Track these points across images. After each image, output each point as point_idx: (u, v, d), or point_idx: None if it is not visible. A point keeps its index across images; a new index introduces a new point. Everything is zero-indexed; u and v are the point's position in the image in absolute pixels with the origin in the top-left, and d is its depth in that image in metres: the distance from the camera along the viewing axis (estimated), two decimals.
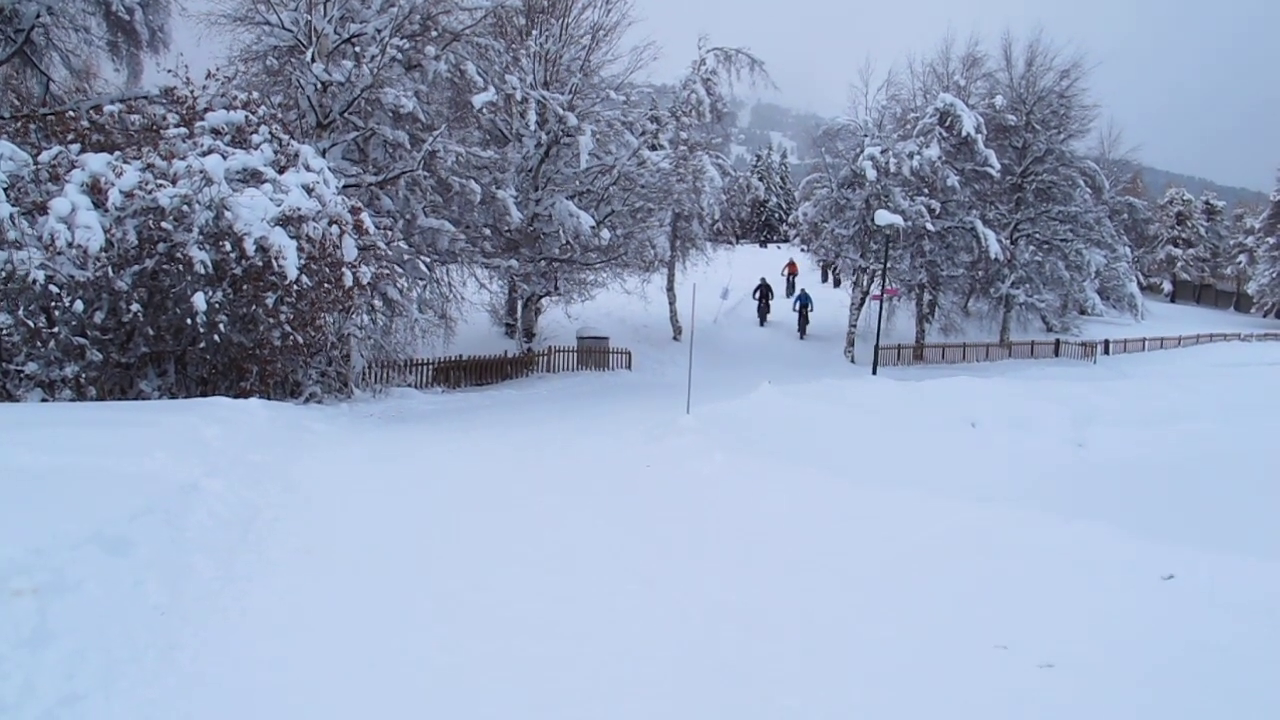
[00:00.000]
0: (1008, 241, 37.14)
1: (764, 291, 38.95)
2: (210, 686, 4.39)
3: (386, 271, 16.50)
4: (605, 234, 23.98)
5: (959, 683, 4.79)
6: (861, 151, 33.30)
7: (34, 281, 11.48)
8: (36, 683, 4.02)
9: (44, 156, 13.13)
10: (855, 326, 34.84)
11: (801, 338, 36.98)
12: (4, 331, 11.90)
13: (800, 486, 9.18)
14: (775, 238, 76.35)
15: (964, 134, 33.53)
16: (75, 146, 13.89)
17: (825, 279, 48.60)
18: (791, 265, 46.50)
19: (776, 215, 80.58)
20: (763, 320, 38.69)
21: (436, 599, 5.88)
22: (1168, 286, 75.62)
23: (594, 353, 27.57)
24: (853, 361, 33.41)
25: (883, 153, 32.78)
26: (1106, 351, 42.27)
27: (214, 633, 4.96)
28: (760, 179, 76.89)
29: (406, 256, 17.84)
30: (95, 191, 12.51)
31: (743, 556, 7.12)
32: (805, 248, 39.49)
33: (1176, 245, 76.39)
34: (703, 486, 9.56)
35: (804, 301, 37.34)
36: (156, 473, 6.91)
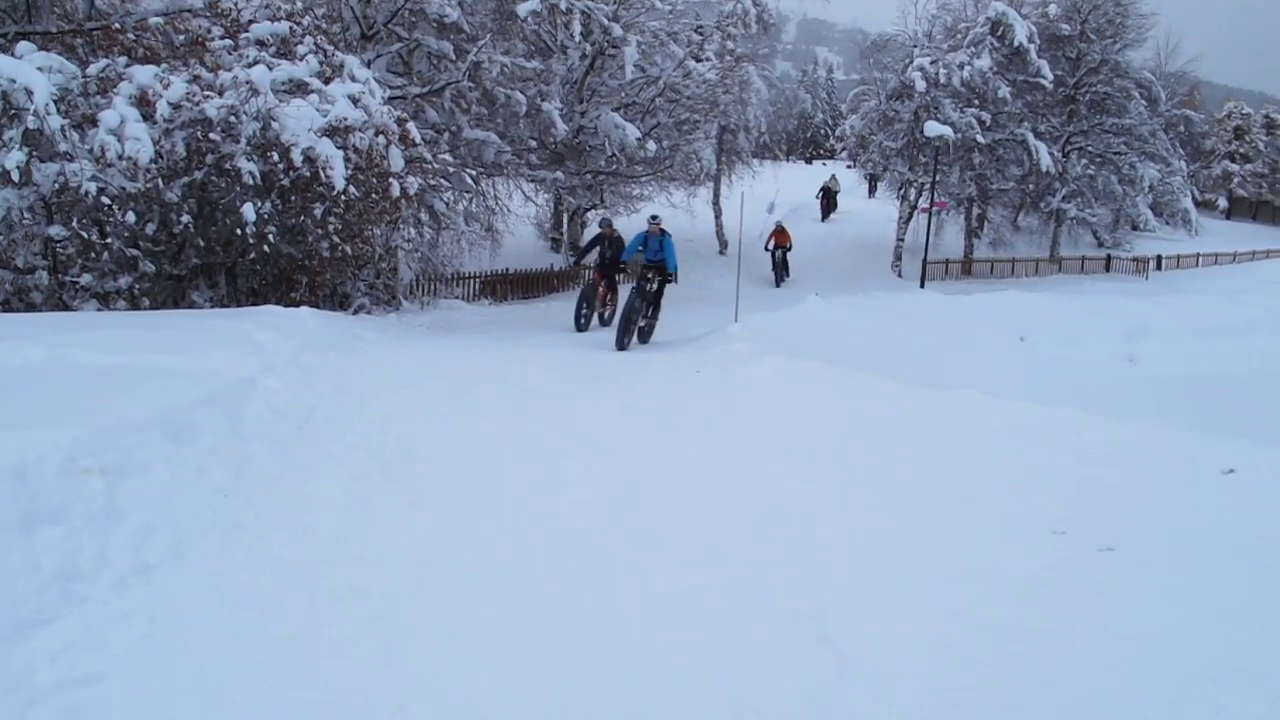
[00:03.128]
0: (1059, 155, 36.22)
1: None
2: (275, 561, 4.50)
3: (433, 183, 16.45)
4: (651, 146, 23.75)
5: (1019, 563, 4.80)
6: (910, 62, 32.52)
7: (86, 194, 11.55)
8: (109, 554, 4.15)
9: (92, 69, 13.10)
10: (903, 240, 34.36)
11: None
12: (59, 243, 12.04)
13: (855, 387, 9.13)
14: (821, 153, 75.22)
15: (1016, 44, 32.59)
16: (122, 60, 13.86)
17: (823, 216, 43.69)
18: (779, 234, 29.70)
19: (822, 132, 79.37)
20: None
21: (493, 487, 5.96)
22: (1223, 203, 73.56)
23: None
24: (900, 275, 33.02)
25: (932, 63, 31.98)
26: (1159, 267, 41.33)
27: (276, 514, 5.07)
28: (807, 93, 75.64)
29: (452, 169, 17.77)
30: (143, 104, 12.48)
31: (800, 450, 7.12)
32: (852, 163, 38.72)
33: (1234, 160, 74.20)
34: (755, 387, 9.53)
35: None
36: (214, 369, 6.99)
